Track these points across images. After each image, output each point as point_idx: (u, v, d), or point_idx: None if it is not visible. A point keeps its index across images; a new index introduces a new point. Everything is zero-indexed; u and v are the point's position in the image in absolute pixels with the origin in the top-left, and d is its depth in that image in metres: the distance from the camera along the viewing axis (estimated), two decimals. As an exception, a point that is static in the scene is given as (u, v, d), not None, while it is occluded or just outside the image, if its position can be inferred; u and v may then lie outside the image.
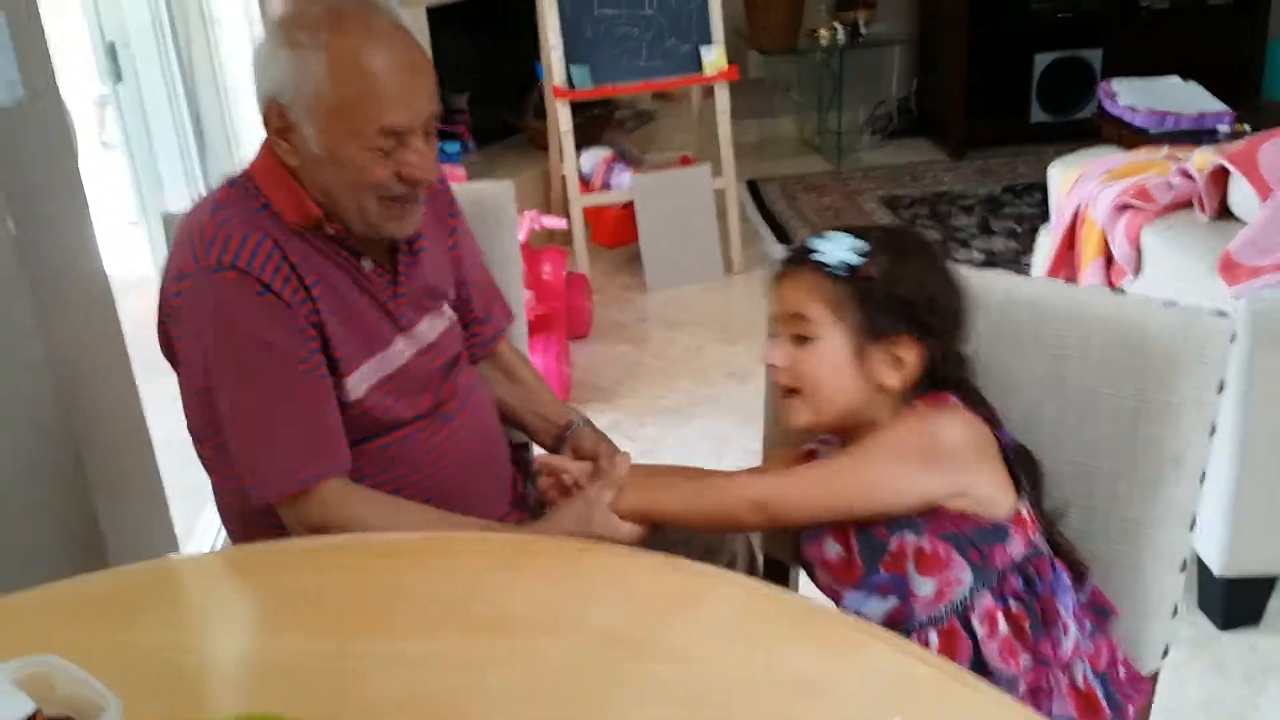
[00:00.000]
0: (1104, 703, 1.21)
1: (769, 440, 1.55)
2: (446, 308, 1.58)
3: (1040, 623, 1.20)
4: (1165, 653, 1.30)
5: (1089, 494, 1.29)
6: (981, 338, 1.31)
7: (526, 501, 1.72)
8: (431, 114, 1.38)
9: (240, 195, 1.41)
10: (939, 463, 1.20)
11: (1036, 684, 1.19)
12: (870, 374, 1.24)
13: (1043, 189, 4.67)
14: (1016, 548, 1.21)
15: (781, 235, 4.35)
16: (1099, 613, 1.26)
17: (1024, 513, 1.23)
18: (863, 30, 4.94)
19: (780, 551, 1.53)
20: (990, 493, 1.21)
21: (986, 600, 1.20)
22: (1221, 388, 1.20)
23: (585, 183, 3.99)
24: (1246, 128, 3.49)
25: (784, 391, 1.28)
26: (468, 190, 1.79)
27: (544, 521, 1.38)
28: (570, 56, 3.79)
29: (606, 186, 3.99)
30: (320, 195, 1.40)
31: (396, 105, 1.33)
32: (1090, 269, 2.33)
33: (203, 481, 1.54)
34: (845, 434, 1.28)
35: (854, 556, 1.26)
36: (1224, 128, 3.53)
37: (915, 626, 1.22)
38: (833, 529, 1.27)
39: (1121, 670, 1.25)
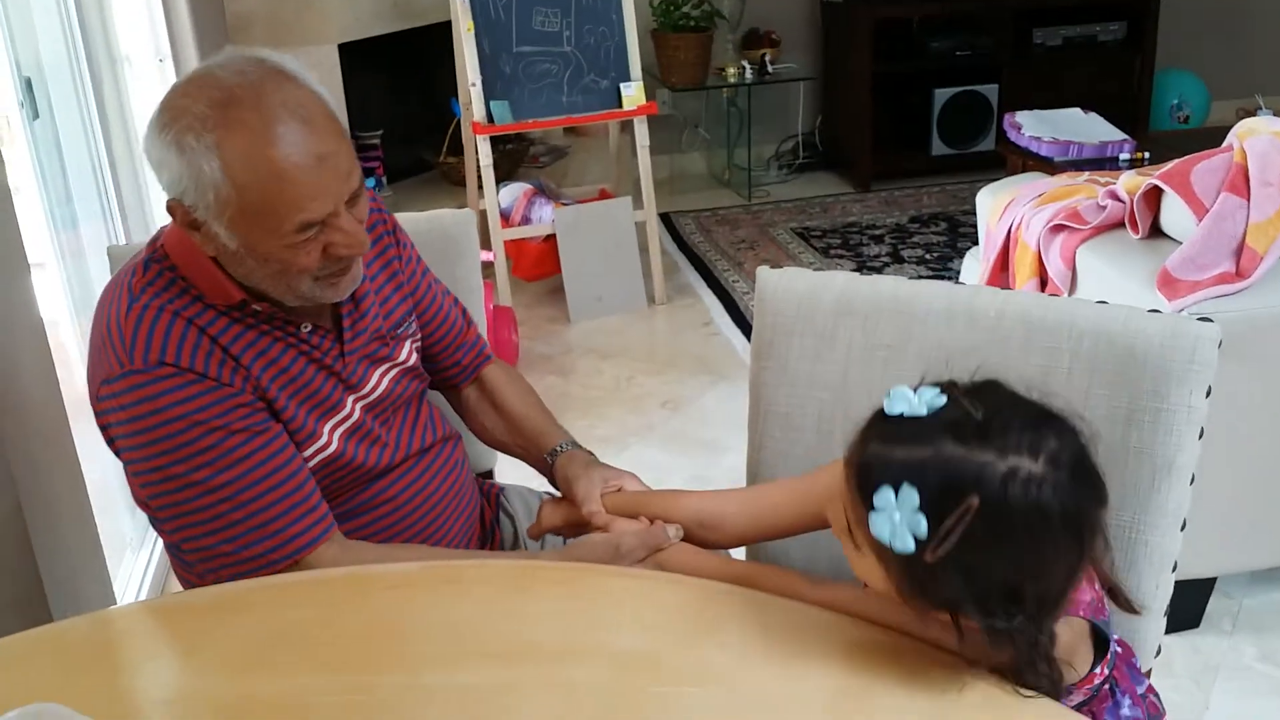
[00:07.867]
0: None
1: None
2: (405, 347, 1.51)
3: None
4: (1158, 652, 1.33)
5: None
6: (972, 350, 1.31)
7: (495, 531, 1.69)
8: (352, 188, 1.26)
9: (155, 279, 1.31)
10: None
11: None
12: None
13: (948, 218, 4.85)
14: (1071, 701, 1.12)
15: (700, 266, 4.39)
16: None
17: (1097, 670, 1.13)
18: (769, 68, 5.04)
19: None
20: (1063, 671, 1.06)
21: None
22: (1209, 392, 1.24)
23: (505, 217, 3.97)
24: (1146, 155, 3.64)
25: None
26: (429, 219, 1.77)
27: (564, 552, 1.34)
28: (489, 93, 3.79)
29: (526, 220, 3.98)
30: (245, 281, 1.30)
31: (308, 200, 1.21)
32: (1026, 289, 2.40)
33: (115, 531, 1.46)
34: None
35: None
36: (1125, 155, 3.68)
37: None
38: None
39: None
